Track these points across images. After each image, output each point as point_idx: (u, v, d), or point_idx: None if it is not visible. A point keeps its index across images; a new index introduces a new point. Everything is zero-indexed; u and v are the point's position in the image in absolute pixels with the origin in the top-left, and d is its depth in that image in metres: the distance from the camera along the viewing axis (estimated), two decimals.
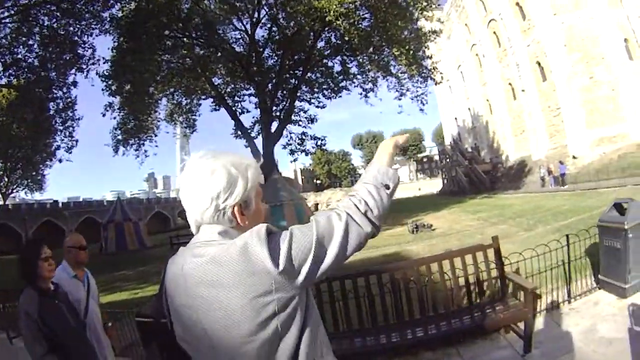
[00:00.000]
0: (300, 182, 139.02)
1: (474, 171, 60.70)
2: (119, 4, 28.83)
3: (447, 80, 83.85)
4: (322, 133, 37.31)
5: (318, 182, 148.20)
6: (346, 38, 27.23)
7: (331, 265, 1.44)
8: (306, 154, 39.28)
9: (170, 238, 29.63)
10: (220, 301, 1.36)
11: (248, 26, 33.85)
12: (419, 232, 19.02)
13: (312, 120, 38.48)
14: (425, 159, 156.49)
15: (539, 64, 50.67)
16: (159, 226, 72.75)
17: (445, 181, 72.26)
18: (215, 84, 36.20)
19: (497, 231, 13.96)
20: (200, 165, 1.56)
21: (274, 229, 1.45)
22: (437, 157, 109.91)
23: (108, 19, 29.24)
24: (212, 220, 1.56)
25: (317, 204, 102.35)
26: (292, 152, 37.78)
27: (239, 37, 35.94)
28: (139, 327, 1.99)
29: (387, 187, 1.63)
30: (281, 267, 1.33)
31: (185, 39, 31.31)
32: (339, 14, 23.72)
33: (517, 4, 52.56)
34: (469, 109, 77.24)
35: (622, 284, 6.32)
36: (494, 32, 60.58)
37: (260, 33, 35.63)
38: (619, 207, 6.80)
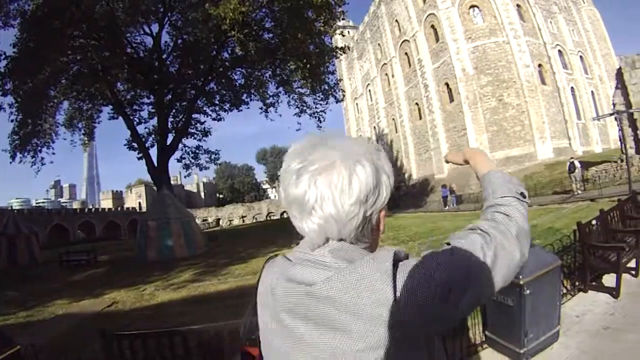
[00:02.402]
0: (202, 196, 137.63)
1: None
2: None
3: (355, 99, 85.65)
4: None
5: (220, 196, 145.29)
6: (240, 50, 25.76)
7: (474, 304, 1.10)
8: (200, 169, 38.19)
9: (59, 255, 26.42)
10: (325, 343, 1.01)
11: (156, 30, 32.33)
12: None
13: (206, 133, 37.62)
14: None
15: (447, 85, 51.20)
16: (58, 239, 66.45)
17: None
18: (119, 90, 34.71)
19: None
20: (334, 157, 1.08)
21: (401, 253, 1.09)
22: None
23: (15, 10, 26.94)
24: (355, 234, 1.10)
25: (218, 219, 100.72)
26: (186, 167, 36.89)
27: (142, 42, 34.57)
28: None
29: (524, 195, 1.40)
30: (412, 310, 0.96)
31: (89, 40, 29.35)
32: (235, 22, 22.09)
33: (433, 26, 53.29)
34: (374, 127, 78.27)
35: (517, 348, 4.98)
36: (406, 53, 61.34)
37: (166, 39, 34.59)
38: None
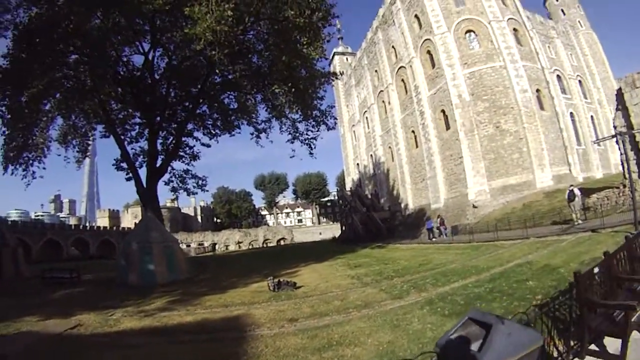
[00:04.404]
0: (199, 220, 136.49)
1: (371, 219, 59.28)
2: (22, 8, 26.36)
3: (353, 126, 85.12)
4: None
5: (218, 221, 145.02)
6: (221, 72, 24.97)
7: None
8: (188, 194, 38.24)
9: (43, 271, 26.26)
10: None
11: (151, 52, 31.89)
12: (279, 291, 16.56)
13: (194, 157, 37.57)
14: (329, 203, 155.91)
15: (443, 112, 50.27)
16: (50, 254, 64.98)
17: (344, 227, 70.52)
18: (112, 109, 34.78)
19: (362, 297, 13.49)
20: None
21: None
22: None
23: (8, 21, 26.68)
24: None
25: (214, 244, 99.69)
26: (174, 190, 37.06)
27: (130, 61, 33.97)
28: None
29: None
30: None
31: (81, 57, 29.23)
32: (213, 42, 21.24)
33: (429, 52, 52.69)
34: (371, 155, 77.39)
35: None
36: (402, 80, 60.84)
37: (158, 60, 34.15)
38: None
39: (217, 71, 24.99)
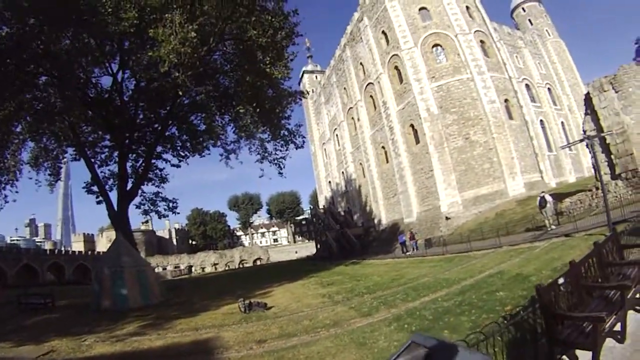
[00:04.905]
0: (174, 242, 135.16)
1: (345, 235, 59.42)
2: None
3: (324, 144, 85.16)
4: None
5: (193, 243, 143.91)
6: (183, 93, 24.59)
7: None
8: (159, 217, 37.20)
9: (19, 297, 25.59)
10: None
11: (119, 73, 31.42)
12: (250, 312, 16.46)
13: (163, 179, 37.04)
14: (304, 222, 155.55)
15: (412, 126, 50.47)
16: (26, 279, 63.52)
17: (319, 245, 70.25)
18: (82, 131, 34.24)
19: (331, 316, 13.56)
20: None
21: None
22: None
23: None
24: None
25: (190, 266, 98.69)
26: (145, 213, 36.11)
27: (98, 83, 33.65)
28: None
29: None
30: None
31: (50, 78, 28.72)
32: (177, 64, 20.91)
33: (396, 67, 53.01)
34: (342, 172, 77.32)
35: None
36: (371, 96, 61.15)
37: (129, 83, 33.70)
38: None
39: (180, 93, 24.45)
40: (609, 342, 5.41)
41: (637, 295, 6.50)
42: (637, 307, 6.60)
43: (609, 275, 7.26)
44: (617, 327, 5.57)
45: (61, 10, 22.45)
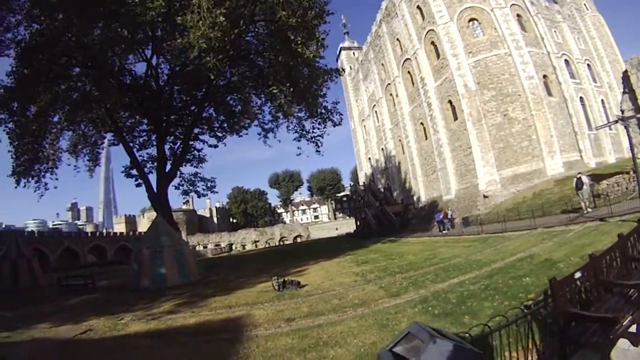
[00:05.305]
0: (215, 221, 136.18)
1: (384, 213, 58.99)
2: (22, 26, 26.65)
3: (363, 120, 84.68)
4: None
5: (234, 221, 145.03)
6: (215, 76, 24.85)
7: None
8: (198, 196, 38.40)
9: (59, 279, 26.89)
10: None
11: (153, 58, 32.27)
12: (284, 290, 16.78)
13: (201, 160, 37.94)
14: (344, 198, 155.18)
15: (450, 102, 49.73)
16: (68, 262, 65.32)
17: (358, 222, 70.30)
18: (120, 117, 35.13)
19: (360, 295, 13.65)
20: None
21: None
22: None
23: (10, 40, 26.94)
24: None
25: (231, 244, 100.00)
26: (185, 193, 37.14)
27: (132, 70, 34.34)
28: None
29: None
30: None
31: (84, 69, 29.57)
32: (207, 49, 21.02)
33: (433, 42, 52.08)
34: (382, 149, 76.92)
35: None
36: (408, 72, 60.25)
37: (162, 67, 34.39)
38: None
39: (212, 77, 24.68)
40: (624, 343, 5.27)
41: None
42: None
43: (630, 271, 6.95)
44: (633, 329, 5.28)
45: (89, 3, 22.90)
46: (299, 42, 23.61)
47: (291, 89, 26.65)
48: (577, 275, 5.77)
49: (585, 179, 23.53)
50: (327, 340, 8.81)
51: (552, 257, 13.30)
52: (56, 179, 32.54)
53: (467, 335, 4.62)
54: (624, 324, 5.15)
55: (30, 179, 30.72)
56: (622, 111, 22.54)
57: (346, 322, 10.16)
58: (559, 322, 5.23)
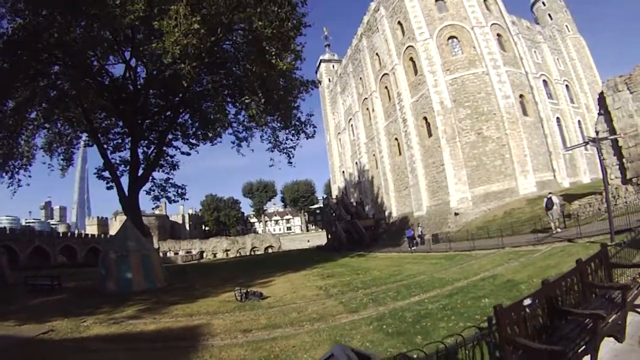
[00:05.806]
0: (187, 227, 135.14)
1: (355, 226, 59.12)
2: (5, 19, 26.16)
3: (339, 134, 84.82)
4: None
5: (206, 228, 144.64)
6: (187, 83, 24.46)
7: None
8: (169, 202, 38.56)
9: (26, 278, 27.04)
10: None
11: (132, 61, 31.99)
12: (246, 301, 16.65)
13: (174, 166, 37.86)
14: (317, 211, 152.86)
15: (425, 119, 50.06)
16: (38, 261, 64.73)
17: (329, 235, 70.40)
18: (96, 118, 35.00)
19: (320, 309, 13.59)
20: None
21: None
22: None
23: None
24: None
25: (202, 252, 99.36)
26: (155, 198, 37.31)
27: (109, 71, 33.91)
28: None
29: None
30: None
31: (63, 67, 29.15)
32: (180, 55, 20.87)
33: (412, 59, 52.52)
34: (356, 163, 77.36)
35: None
36: (386, 87, 60.78)
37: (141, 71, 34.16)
38: None
39: (185, 84, 24.27)
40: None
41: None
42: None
43: (587, 299, 6.62)
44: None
45: (71, 2, 22.68)
46: (273, 52, 23.37)
47: (264, 100, 26.54)
48: (527, 302, 5.34)
49: (555, 199, 23.51)
50: (279, 354, 8.83)
51: (514, 278, 13.21)
52: (29, 176, 32.44)
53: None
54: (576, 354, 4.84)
55: (4, 174, 30.54)
56: (597, 132, 22.69)
57: (301, 336, 10.16)
58: (504, 351, 4.82)
